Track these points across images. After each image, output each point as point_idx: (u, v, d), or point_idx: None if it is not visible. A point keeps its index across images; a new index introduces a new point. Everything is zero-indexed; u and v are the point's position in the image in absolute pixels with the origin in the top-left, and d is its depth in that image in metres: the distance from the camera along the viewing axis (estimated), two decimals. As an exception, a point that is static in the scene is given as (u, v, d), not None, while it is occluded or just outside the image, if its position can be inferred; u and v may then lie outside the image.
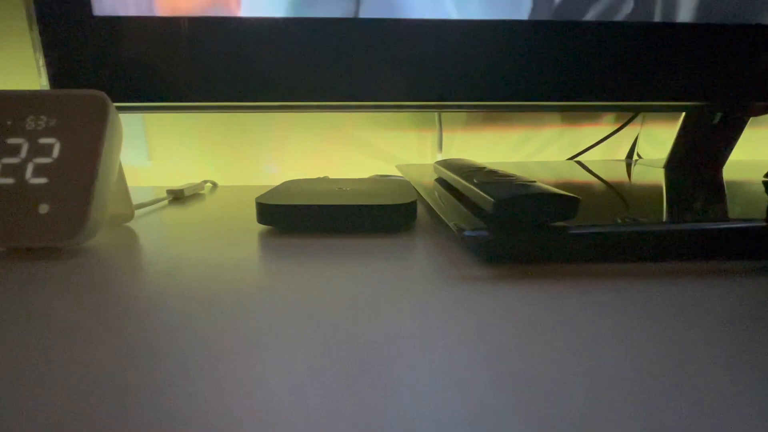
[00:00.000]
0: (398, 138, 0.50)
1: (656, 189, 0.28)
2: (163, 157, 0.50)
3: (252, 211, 0.29)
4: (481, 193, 0.19)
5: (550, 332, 0.12)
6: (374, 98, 0.37)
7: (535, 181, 0.19)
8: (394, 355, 0.11)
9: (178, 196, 0.32)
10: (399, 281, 0.16)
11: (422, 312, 0.13)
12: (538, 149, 0.52)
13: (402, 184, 0.28)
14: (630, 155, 0.47)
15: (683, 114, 0.37)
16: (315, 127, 0.49)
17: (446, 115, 0.49)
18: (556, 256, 0.18)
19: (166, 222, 0.26)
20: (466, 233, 0.17)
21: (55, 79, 0.27)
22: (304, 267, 0.17)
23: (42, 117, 0.20)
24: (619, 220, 0.18)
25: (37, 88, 0.29)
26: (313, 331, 0.12)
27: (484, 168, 0.25)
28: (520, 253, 0.18)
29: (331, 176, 0.50)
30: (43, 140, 0.20)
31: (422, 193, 0.26)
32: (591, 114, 0.52)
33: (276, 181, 0.51)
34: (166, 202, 0.32)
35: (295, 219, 0.23)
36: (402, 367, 0.10)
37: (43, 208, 0.19)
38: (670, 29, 0.35)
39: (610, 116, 0.52)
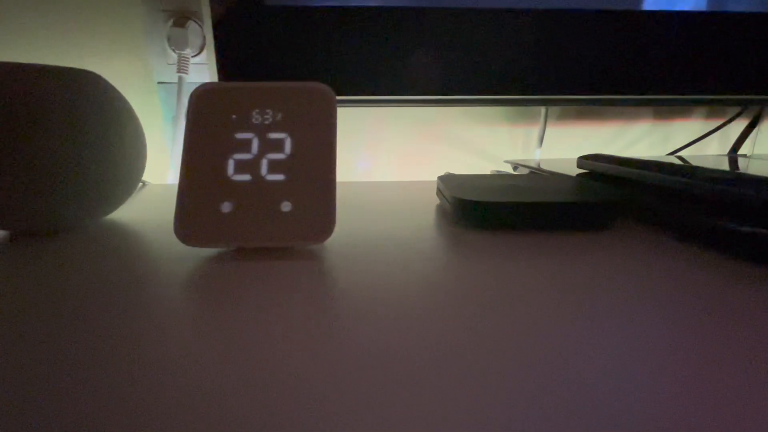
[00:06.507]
0: (490, 133, 0.49)
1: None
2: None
3: (408, 206, 0.28)
4: (748, 192, 0.18)
5: None
6: (478, 92, 0.36)
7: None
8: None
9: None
10: (688, 281, 0.15)
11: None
12: (629, 144, 0.51)
13: (576, 180, 0.27)
14: (734, 150, 0.46)
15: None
16: (406, 122, 0.48)
17: (537, 110, 0.48)
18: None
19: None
20: (746, 230, 0.16)
21: (223, 71, 0.26)
22: (560, 267, 0.17)
23: (268, 111, 0.19)
24: None
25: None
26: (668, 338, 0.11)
27: (673, 163, 0.24)
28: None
29: (436, 172, 0.50)
30: (273, 135, 0.19)
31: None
32: (683, 109, 0.51)
33: (366, 177, 0.50)
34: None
35: (502, 216, 0.22)
36: None
37: (286, 206, 0.18)
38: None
39: (701, 111, 0.51)
